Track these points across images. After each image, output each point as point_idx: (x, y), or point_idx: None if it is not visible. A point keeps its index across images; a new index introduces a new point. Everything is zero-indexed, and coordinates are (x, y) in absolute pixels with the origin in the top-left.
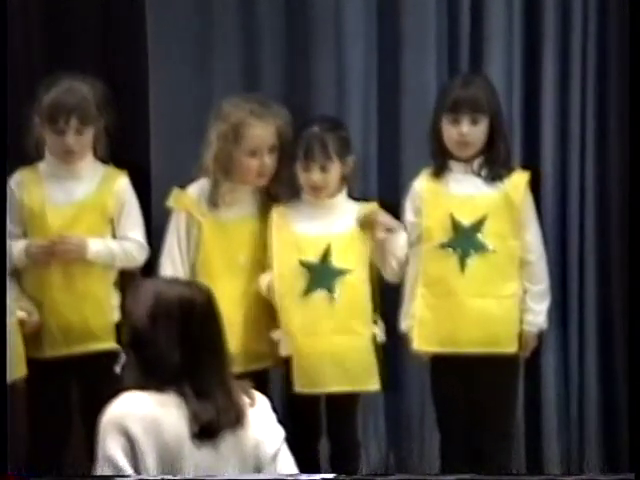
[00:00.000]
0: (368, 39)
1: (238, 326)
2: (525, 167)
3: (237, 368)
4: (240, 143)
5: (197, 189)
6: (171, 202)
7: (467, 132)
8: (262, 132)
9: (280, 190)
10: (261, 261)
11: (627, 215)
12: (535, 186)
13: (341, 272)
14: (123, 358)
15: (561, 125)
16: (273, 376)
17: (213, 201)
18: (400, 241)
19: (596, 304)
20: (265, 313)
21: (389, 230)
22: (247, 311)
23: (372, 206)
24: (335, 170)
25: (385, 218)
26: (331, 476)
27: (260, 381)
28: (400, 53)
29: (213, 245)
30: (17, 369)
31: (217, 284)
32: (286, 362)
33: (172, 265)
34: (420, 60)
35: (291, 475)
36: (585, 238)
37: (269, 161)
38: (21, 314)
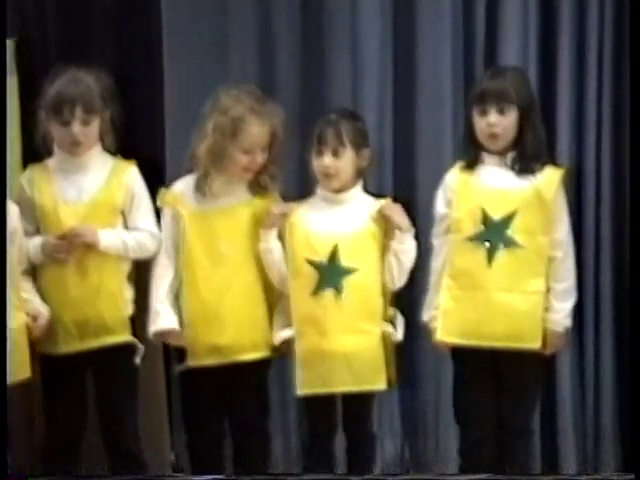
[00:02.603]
0: (384, 33)
1: (226, 316)
2: None
3: (228, 358)
4: (236, 139)
5: (182, 184)
6: (158, 202)
7: (494, 122)
8: (259, 131)
9: (269, 183)
10: (245, 250)
11: None
12: None
13: (349, 271)
14: (142, 349)
15: (577, 120)
16: (289, 371)
17: (201, 191)
18: (406, 244)
19: (612, 302)
20: (257, 302)
21: (397, 228)
22: (234, 300)
23: (387, 200)
24: (348, 158)
25: (396, 214)
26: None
27: (260, 372)
28: (415, 47)
29: (195, 235)
30: (20, 371)
31: (199, 273)
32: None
33: (168, 259)
34: (435, 55)
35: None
36: (601, 235)
37: (259, 159)
38: (27, 319)
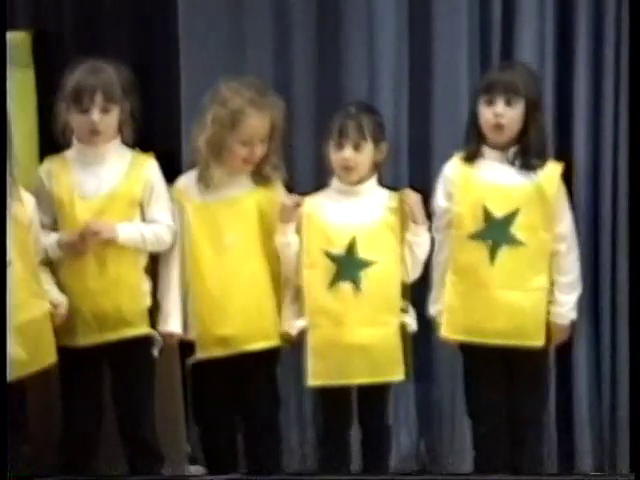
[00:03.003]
0: (399, 25)
1: (232, 306)
2: (557, 157)
3: (236, 349)
4: (235, 131)
5: (186, 179)
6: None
7: (501, 112)
8: (258, 123)
9: (272, 173)
10: (250, 240)
11: None
12: (567, 176)
13: (367, 263)
14: (160, 341)
15: (594, 114)
16: (305, 362)
17: (204, 183)
18: (421, 237)
19: (629, 295)
20: (263, 291)
21: (413, 220)
22: (241, 290)
23: (408, 190)
24: (368, 152)
25: (416, 204)
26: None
27: (269, 362)
28: (431, 39)
29: (198, 227)
30: (47, 357)
31: (204, 264)
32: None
33: (181, 255)
34: (451, 46)
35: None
36: (618, 229)
37: (258, 151)
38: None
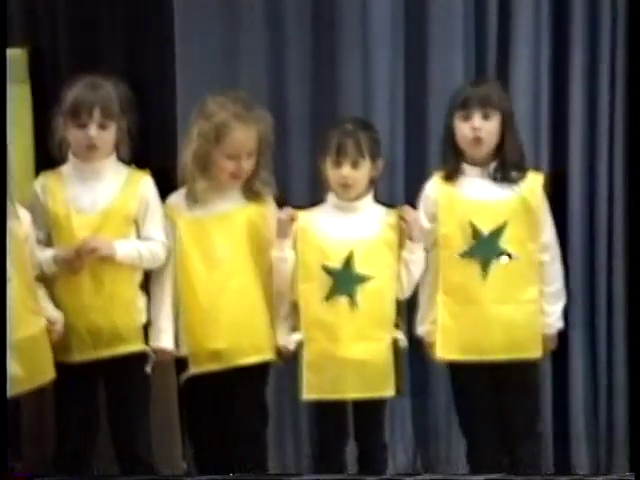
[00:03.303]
0: (395, 41)
1: (224, 320)
2: (553, 169)
3: (228, 363)
4: (220, 144)
5: (176, 195)
6: None
7: (479, 126)
8: (243, 137)
9: (262, 188)
10: (241, 255)
11: None
12: (563, 187)
13: (363, 278)
14: (153, 357)
15: (589, 126)
16: (301, 377)
17: (192, 198)
18: (416, 254)
19: (624, 305)
20: (255, 306)
21: (409, 237)
22: (232, 304)
23: (407, 207)
24: (365, 169)
25: (414, 221)
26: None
27: (258, 377)
28: (427, 55)
29: (190, 242)
30: (45, 374)
31: (195, 279)
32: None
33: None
34: (447, 63)
35: None
36: (613, 239)
37: (246, 165)
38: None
